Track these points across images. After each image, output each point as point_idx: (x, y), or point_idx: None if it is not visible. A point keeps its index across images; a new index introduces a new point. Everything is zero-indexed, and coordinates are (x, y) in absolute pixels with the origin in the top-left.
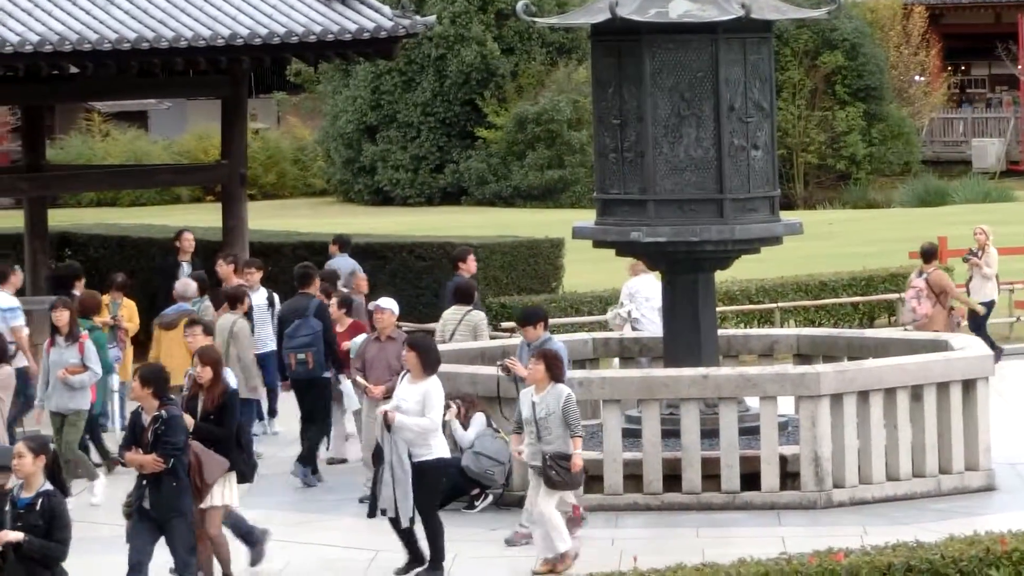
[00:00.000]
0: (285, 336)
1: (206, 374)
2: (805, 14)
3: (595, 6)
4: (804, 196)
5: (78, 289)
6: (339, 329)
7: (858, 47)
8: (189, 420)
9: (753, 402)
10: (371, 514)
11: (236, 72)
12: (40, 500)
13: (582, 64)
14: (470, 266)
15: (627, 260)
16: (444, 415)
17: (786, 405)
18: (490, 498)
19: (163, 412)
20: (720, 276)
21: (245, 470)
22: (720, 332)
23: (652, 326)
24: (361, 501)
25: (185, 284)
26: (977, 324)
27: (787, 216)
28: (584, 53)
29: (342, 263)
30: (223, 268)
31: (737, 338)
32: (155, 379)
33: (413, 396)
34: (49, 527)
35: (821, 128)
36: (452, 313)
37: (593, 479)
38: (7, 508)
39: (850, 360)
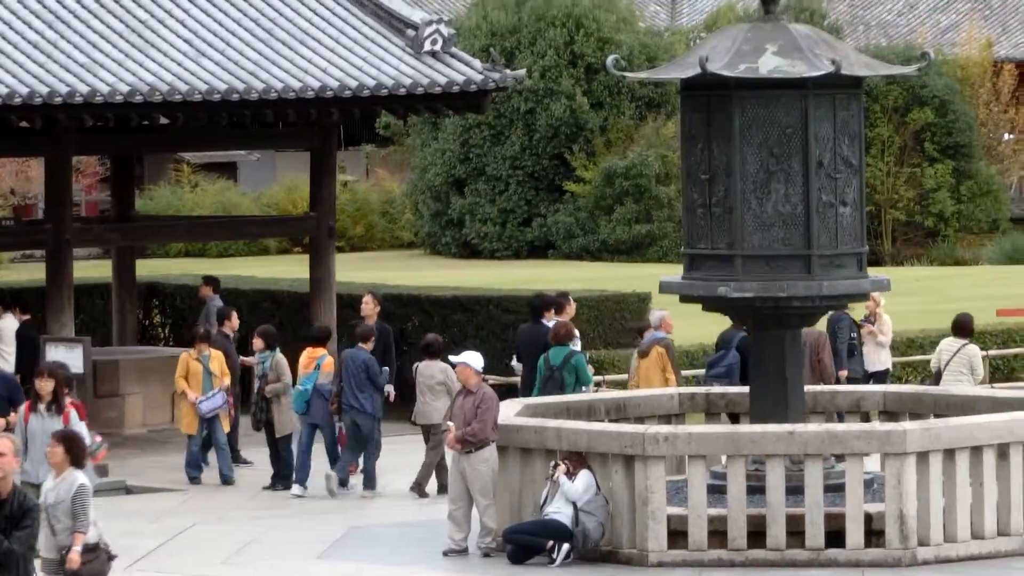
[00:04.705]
0: (707, 364)
1: None
2: (895, 70)
3: (685, 61)
4: (892, 252)
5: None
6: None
7: (948, 104)
8: None
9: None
10: None
11: (326, 124)
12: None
13: (671, 119)
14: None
15: (712, 315)
16: (552, 474)
17: (873, 462)
18: (566, 547)
19: None
20: None
21: None
22: (807, 388)
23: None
24: (445, 555)
25: (658, 317)
26: None
27: (874, 272)
28: (673, 108)
29: (217, 304)
30: None
31: (824, 394)
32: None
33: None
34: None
35: (910, 185)
36: (949, 343)
37: (678, 534)
38: None
39: (936, 417)
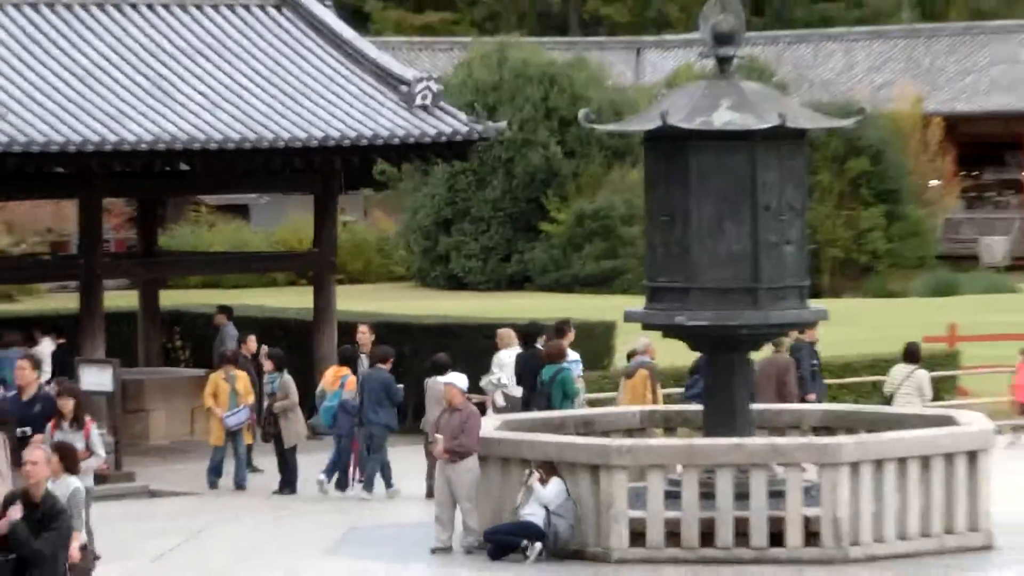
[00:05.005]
0: (686, 387)
1: None
2: (835, 123)
3: (648, 115)
4: (831, 286)
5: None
6: None
7: (882, 154)
8: None
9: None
10: None
11: (328, 171)
12: None
13: (635, 166)
14: None
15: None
16: (527, 480)
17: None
18: (539, 546)
19: None
20: (755, 356)
21: None
22: (753, 406)
23: (518, 391)
24: (433, 552)
25: (644, 344)
26: None
27: (815, 304)
28: (637, 157)
29: (230, 331)
30: None
31: (769, 411)
32: None
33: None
34: None
35: (847, 226)
36: (900, 369)
37: (638, 535)
38: None
39: (868, 433)
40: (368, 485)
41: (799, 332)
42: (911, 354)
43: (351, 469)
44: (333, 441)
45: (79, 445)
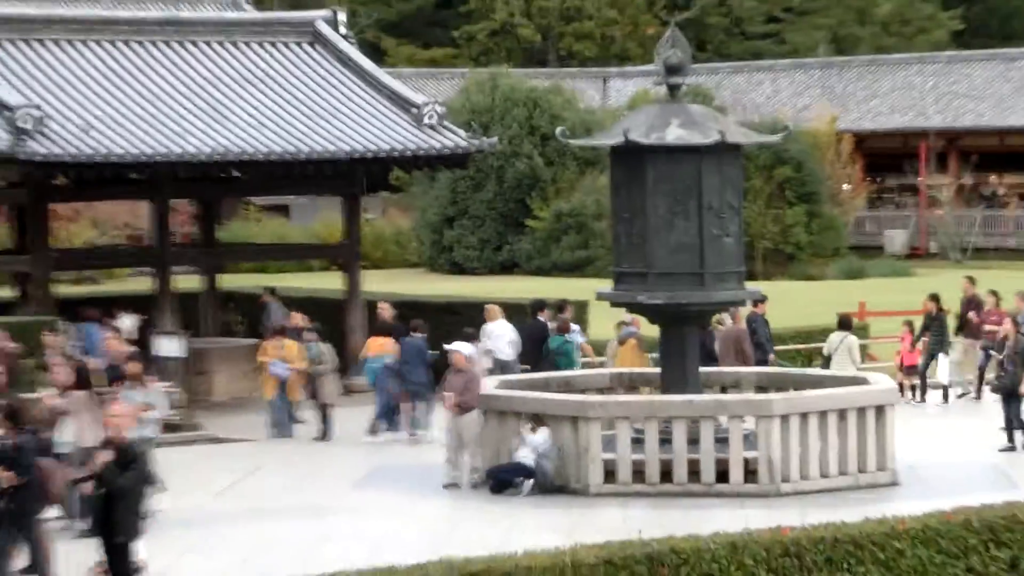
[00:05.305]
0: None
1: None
2: (765, 139)
3: (613, 132)
4: (763, 271)
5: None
6: None
7: (803, 163)
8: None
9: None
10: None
11: (353, 177)
12: None
13: (603, 173)
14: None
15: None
16: (520, 430)
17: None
18: (530, 482)
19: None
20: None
21: None
22: (701, 369)
23: (503, 355)
24: (445, 487)
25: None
26: None
27: (750, 285)
28: (605, 165)
29: (275, 308)
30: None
31: (714, 373)
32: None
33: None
34: None
35: (775, 222)
36: (835, 336)
37: (610, 474)
38: None
39: (795, 391)
40: (422, 429)
41: (754, 307)
42: (844, 323)
43: (396, 416)
44: (376, 396)
45: (139, 400)
